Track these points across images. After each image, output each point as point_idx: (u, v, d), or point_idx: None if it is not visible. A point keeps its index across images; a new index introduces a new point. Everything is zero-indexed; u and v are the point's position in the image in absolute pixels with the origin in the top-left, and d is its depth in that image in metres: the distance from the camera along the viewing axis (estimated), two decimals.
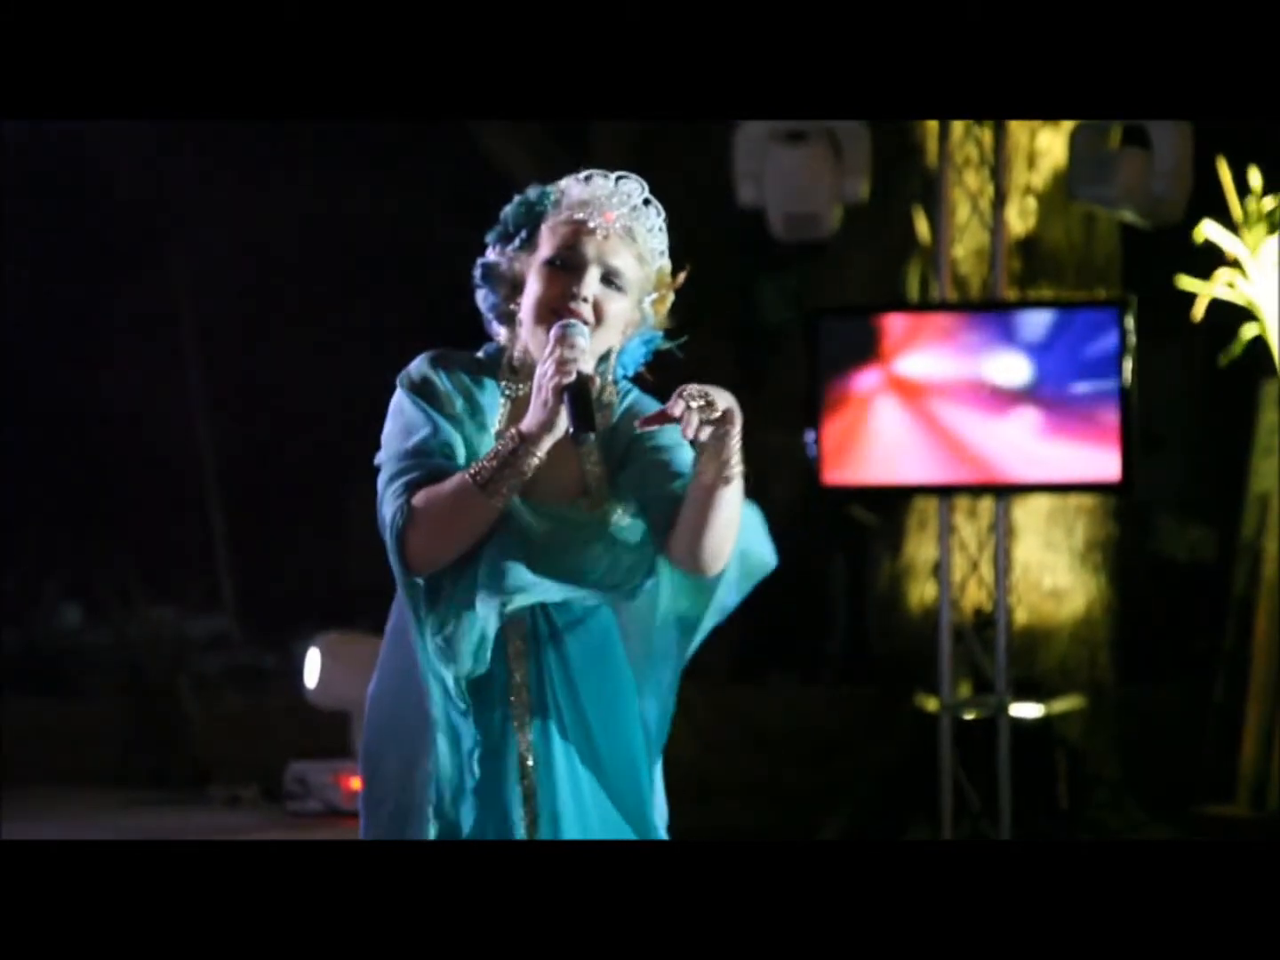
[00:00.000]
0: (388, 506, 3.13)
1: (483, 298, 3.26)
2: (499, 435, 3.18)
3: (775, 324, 11.36)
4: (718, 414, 3.00)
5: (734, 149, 7.93)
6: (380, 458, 3.20)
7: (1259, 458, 8.33)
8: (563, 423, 3.05)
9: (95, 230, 11.45)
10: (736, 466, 3.06)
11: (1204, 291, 7.90)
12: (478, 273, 3.25)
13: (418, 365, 3.22)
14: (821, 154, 7.78)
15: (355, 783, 3.33)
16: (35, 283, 11.31)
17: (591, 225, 3.17)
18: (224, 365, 11.85)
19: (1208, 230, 7.86)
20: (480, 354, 3.27)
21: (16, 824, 6.93)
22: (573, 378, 3.05)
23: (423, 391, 3.19)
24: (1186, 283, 7.92)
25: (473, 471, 3.09)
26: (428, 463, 3.13)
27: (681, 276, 3.26)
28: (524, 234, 3.20)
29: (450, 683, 3.14)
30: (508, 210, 3.23)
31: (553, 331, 3.11)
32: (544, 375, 3.07)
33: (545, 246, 3.18)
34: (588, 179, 3.22)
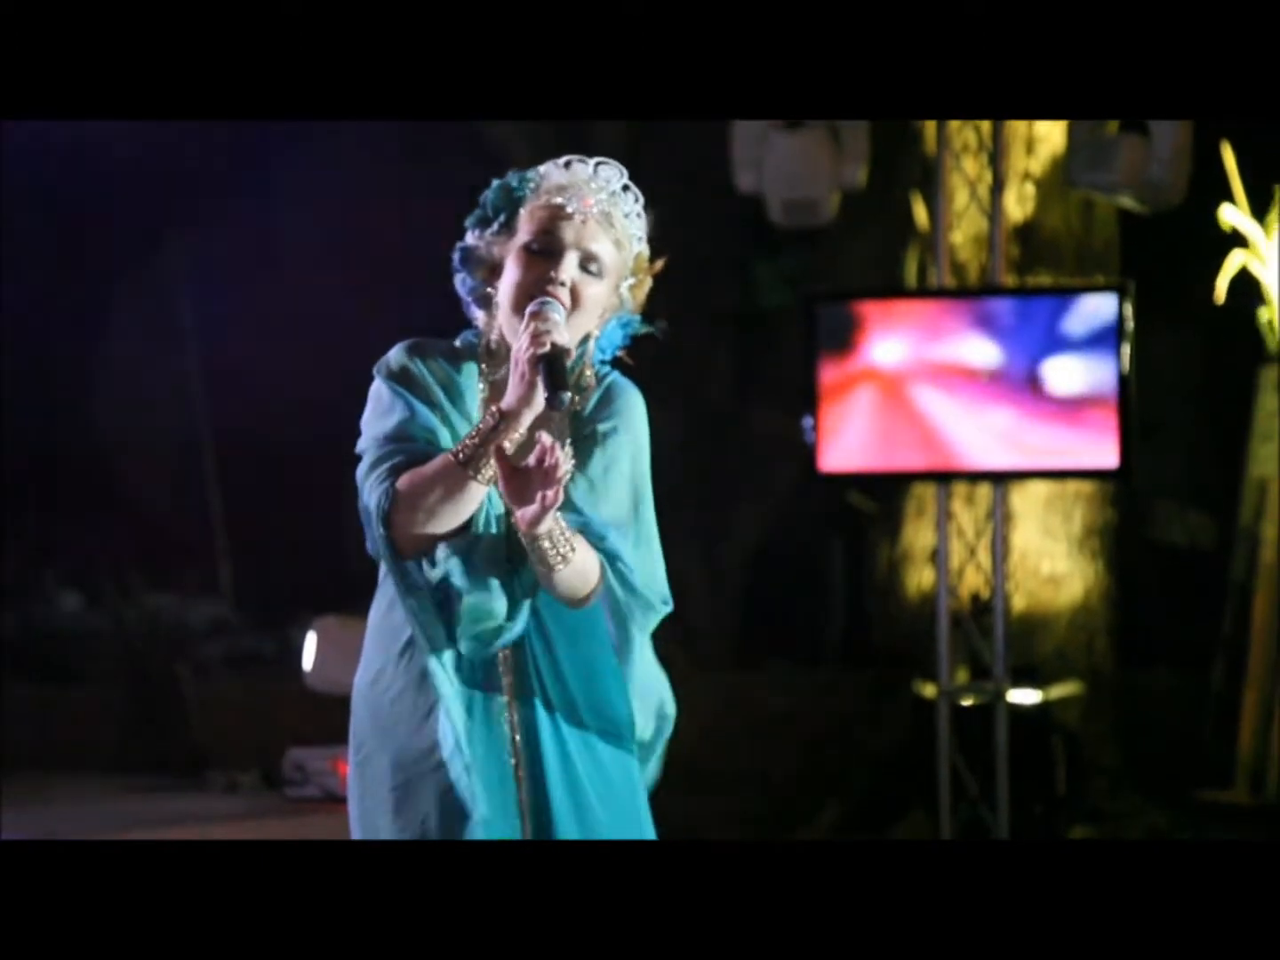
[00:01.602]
0: (371, 493, 3.15)
1: (461, 281, 3.27)
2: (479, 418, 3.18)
3: (773, 310, 11.34)
4: (560, 482, 3.00)
5: (732, 135, 7.93)
6: (360, 446, 3.21)
7: (1257, 443, 8.33)
8: (540, 394, 3.06)
9: (95, 216, 11.43)
10: (551, 564, 3.08)
11: (1217, 275, 7.92)
12: (456, 256, 3.26)
13: (395, 353, 3.24)
14: (820, 140, 7.79)
15: None
16: (35, 270, 11.28)
17: (570, 210, 3.17)
18: (222, 350, 11.83)
19: (1228, 214, 7.86)
20: (457, 341, 3.28)
21: (15, 810, 6.93)
22: (547, 348, 3.06)
23: (401, 378, 3.20)
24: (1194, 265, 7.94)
25: (455, 451, 3.10)
26: (409, 447, 3.15)
27: (659, 263, 3.27)
28: (503, 218, 3.21)
29: (449, 663, 3.16)
30: (487, 194, 3.25)
31: (529, 308, 3.12)
32: (520, 349, 3.08)
33: (523, 231, 3.19)
34: (568, 165, 3.24)
